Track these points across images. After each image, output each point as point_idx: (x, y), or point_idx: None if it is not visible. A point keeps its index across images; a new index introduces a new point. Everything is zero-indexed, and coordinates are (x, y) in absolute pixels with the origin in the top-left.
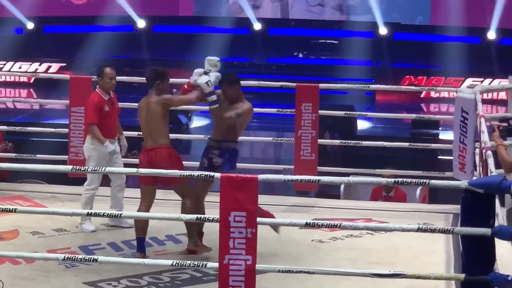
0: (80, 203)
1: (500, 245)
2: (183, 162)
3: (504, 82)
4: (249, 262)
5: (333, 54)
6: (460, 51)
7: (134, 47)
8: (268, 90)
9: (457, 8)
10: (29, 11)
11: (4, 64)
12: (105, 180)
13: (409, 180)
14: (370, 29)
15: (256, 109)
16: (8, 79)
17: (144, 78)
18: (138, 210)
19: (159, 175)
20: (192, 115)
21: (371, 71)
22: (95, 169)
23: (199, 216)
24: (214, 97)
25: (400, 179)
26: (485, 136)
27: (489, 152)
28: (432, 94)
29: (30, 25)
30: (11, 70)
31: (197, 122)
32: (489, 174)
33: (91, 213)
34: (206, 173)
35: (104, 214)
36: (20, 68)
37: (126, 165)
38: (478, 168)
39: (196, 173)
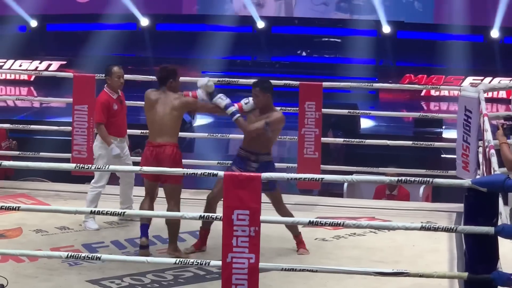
0: (86, 200)
1: (503, 244)
2: (187, 160)
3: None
4: (252, 260)
5: (337, 53)
6: (464, 50)
7: (137, 45)
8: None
9: (461, 7)
10: (32, 9)
11: (5, 62)
12: (111, 179)
13: (412, 178)
14: (374, 28)
15: None
16: (8, 77)
17: (146, 77)
18: (142, 203)
19: (161, 173)
20: (196, 113)
21: (374, 70)
22: (98, 167)
23: (202, 214)
24: (233, 108)
25: (403, 178)
26: (488, 135)
27: (493, 151)
28: (432, 92)
29: (34, 23)
30: (11, 68)
31: (201, 120)
32: (492, 173)
33: (95, 211)
34: (209, 171)
35: (108, 212)
36: (20, 66)
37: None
38: (481, 167)
39: (199, 171)
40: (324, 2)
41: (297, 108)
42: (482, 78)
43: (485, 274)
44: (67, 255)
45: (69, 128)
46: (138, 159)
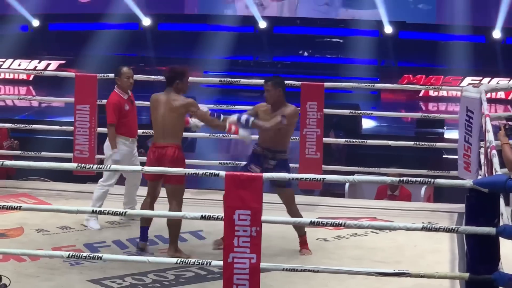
0: (92, 198)
1: (505, 245)
2: (188, 160)
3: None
4: (253, 260)
5: (339, 53)
6: (465, 50)
7: (139, 45)
8: None
9: (463, 7)
10: (34, 9)
11: (4, 61)
12: (118, 179)
13: (414, 179)
14: (376, 28)
15: None
16: (7, 76)
17: (148, 77)
18: (144, 202)
19: (163, 173)
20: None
21: (376, 70)
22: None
23: (203, 214)
24: (245, 116)
25: (405, 178)
26: (490, 135)
27: (494, 152)
28: (431, 93)
29: (36, 23)
30: (10, 67)
31: None
32: (494, 174)
33: (96, 211)
34: (211, 171)
35: (109, 212)
36: (19, 65)
37: None
38: (483, 167)
39: (200, 171)
40: (327, 2)
41: (299, 108)
42: (481, 78)
43: (487, 275)
44: (69, 254)
45: (71, 127)
46: (145, 159)
